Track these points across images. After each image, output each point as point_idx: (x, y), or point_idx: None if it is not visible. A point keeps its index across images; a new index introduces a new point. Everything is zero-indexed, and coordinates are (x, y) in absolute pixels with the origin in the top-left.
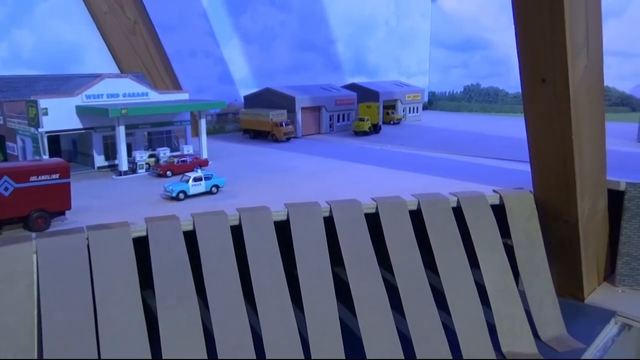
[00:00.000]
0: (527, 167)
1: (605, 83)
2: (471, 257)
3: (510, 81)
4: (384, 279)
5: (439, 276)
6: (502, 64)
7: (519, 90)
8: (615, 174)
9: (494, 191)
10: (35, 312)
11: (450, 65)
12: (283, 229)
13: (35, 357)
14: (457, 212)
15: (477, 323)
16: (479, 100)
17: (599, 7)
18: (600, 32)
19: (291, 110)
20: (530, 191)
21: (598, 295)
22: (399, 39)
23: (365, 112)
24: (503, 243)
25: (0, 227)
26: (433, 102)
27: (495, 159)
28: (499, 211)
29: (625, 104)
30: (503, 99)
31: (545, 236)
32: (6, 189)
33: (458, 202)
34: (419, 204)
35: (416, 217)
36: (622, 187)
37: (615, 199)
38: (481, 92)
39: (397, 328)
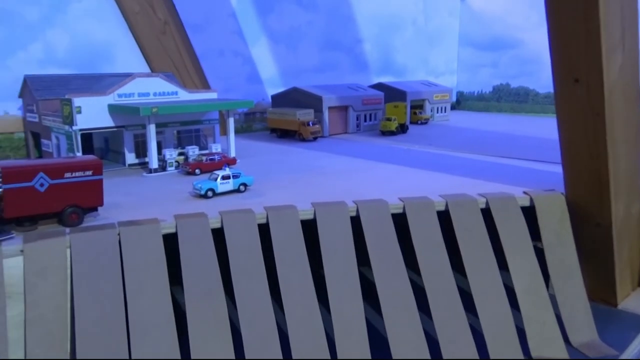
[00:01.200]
0: (558, 169)
1: None
2: (500, 259)
3: (541, 80)
4: (411, 280)
5: (466, 278)
6: (533, 63)
7: (551, 90)
8: None
9: (524, 193)
10: (69, 305)
11: (479, 64)
12: (310, 228)
13: (68, 349)
14: (486, 213)
15: (505, 326)
16: (508, 100)
17: (635, 5)
18: (636, 31)
19: (318, 110)
20: (562, 193)
21: (632, 301)
22: (427, 38)
23: (393, 112)
24: (533, 246)
25: (35, 222)
26: (461, 102)
27: (526, 159)
28: (529, 213)
29: None
30: (534, 98)
31: (577, 239)
32: (42, 184)
33: (487, 203)
34: (446, 204)
35: (444, 218)
36: None
37: None
38: (511, 91)
39: (424, 329)
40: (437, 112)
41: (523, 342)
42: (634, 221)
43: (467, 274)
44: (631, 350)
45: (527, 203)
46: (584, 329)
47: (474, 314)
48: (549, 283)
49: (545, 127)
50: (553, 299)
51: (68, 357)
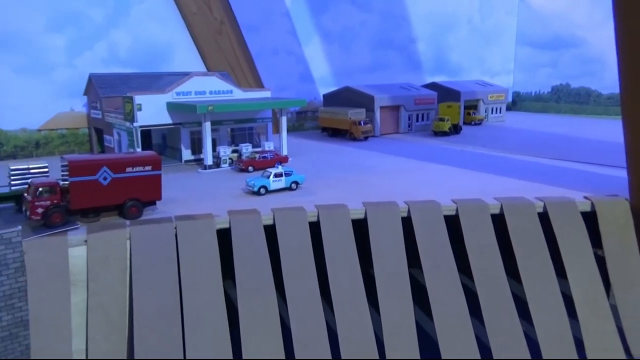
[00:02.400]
0: (622, 173)
1: None
2: (558, 266)
3: (605, 81)
4: (462, 283)
5: (521, 284)
6: (596, 63)
7: (615, 90)
8: None
9: (585, 197)
10: (127, 294)
11: (537, 64)
12: (360, 227)
13: (126, 336)
14: (543, 218)
15: (562, 335)
16: (568, 101)
17: None
18: None
19: (370, 109)
20: (626, 199)
21: None
22: (483, 37)
23: (446, 112)
24: (594, 253)
25: (98, 214)
26: (517, 103)
27: (586, 163)
28: (590, 219)
29: None
30: (596, 100)
31: None
32: (105, 178)
33: (545, 207)
34: (502, 207)
35: (498, 221)
36: None
37: None
38: (571, 92)
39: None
40: (492, 113)
41: (581, 353)
42: None
43: (523, 280)
44: None
45: (587, 208)
46: None
47: (528, 322)
48: (609, 292)
49: (607, 130)
50: (614, 308)
51: (126, 344)
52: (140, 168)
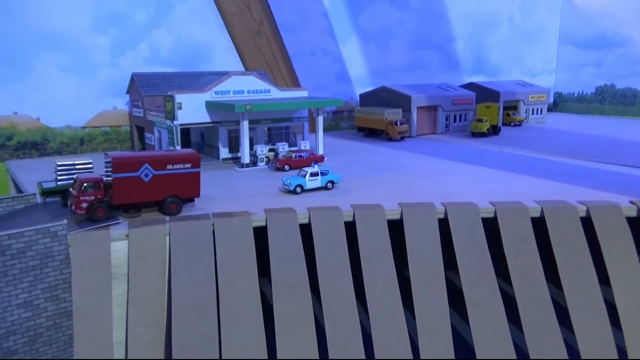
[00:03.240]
0: None
1: None
2: (601, 272)
3: None
4: (500, 287)
5: (561, 289)
6: None
7: None
8: None
9: (631, 202)
10: (166, 288)
11: (581, 63)
12: (396, 228)
13: (164, 330)
14: (586, 222)
15: (604, 344)
16: (613, 102)
17: None
18: None
19: (406, 109)
20: None
21: None
22: (524, 36)
23: (484, 113)
24: (639, 259)
25: (139, 210)
26: (559, 104)
27: (633, 167)
28: (636, 224)
29: None
30: None
31: None
32: (146, 175)
33: (587, 211)
34: (542, 211)
35: (539, 225)
36: None
37: None
38: (616, 93)
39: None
40: (533, 114)
41: None
42: None
43: (563, 286)
44: None
45: (633, 213)
46: None
47: (568, 328)
48: None
49: None
50: None
51: (164, 337)
52: (180, 165)
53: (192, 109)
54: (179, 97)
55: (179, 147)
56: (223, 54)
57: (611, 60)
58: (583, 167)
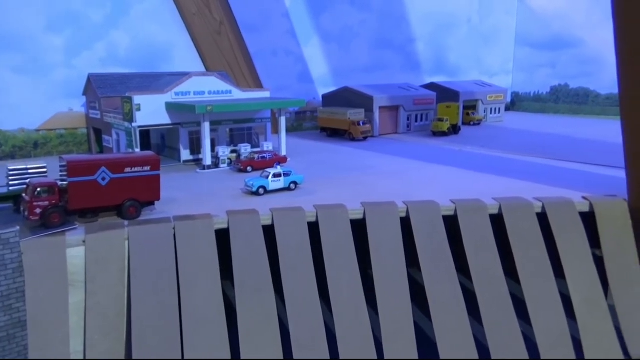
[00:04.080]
0: (621, 174)
1: None
2: (556, 266)
3: (603, 81)
4: (461, 283)
5: (519, 284)
6: (594, 63)
7: (613, 91)
8: None
9: (584, 198)
10: (126, 294)
11: (536, 64)
12: (359, 228)
13: (124, 337)
14: (542, 218)
15: (560, 336)
16: (567, 101)
17: None
18: None
19: (369, 110)
20: (625, 199)
21: None
22: (482, 37)
23: (445, 112)
24: (592, 253)
25: (97, 214)
26: (516, 103)
27: (585, 163)
28: (589, 219)
29: None
30: (594, 100)
31: (639, 247)
32: (104, 178)
33: (543, 207)
34: (500, 208)
35: (497, 221)
36: None
37: None
38: (570, 92)
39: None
40: (491, 113)
41: (579, 353)
42: None
43: (521, 281)
44: None
45: (586, 209)
46: None
47: (526, 322)
48: (607, 292)
49: (606, 130)
50: (612, 309)
51: (124, 345)
52: (139, 168)
53: (151, 110)
54: (138, 99)
55: (138, 150)
56: (183, 55)
57: (565, 60)
58: (539, 164)
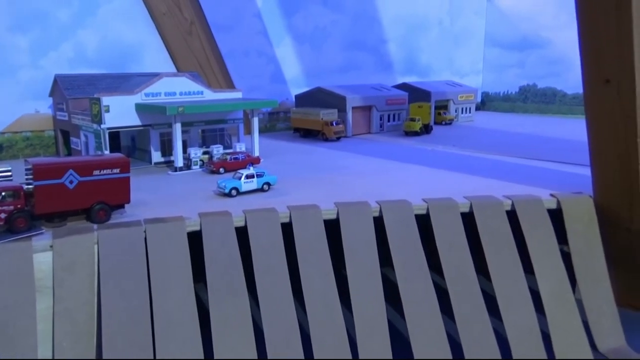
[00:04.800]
0: (587, 171)
1: None
2: (525, 263)
3: (569, 81)
4: (434, 282)
5: (490, 281)
6: (561, 64)
7: (580, 90)
8: None
9: (551, 195)
10: (95, 300)
11: (505, 64)
12: (333, 228)
13: (94, 344)
14: (511, 216)
15: (530, 331)
16: (535, 101)
17: None
18: None
19: (342, 110)
20: (590, 196)
21: None
22: (452, 38)
23: (417, 112)
24: (560, 249)
25: (64, 218)
26: (486, 103)
27: (553, 161)
28: (556, 216)
29: None
30: (561, 99)
31: (605, 243)
32: (71, 182)
33: (512, 205)
34: (471, 206)
35: (468, 219)
36: None
37: None
38: (538, 92)
39: (446, 332)
40: (462, 113)
41: (548, 348)
42: None
43: (492, 277)
44: None
45: (554, 206)
46: (611, 334)
47: (497, 318)
48: (575, 288)
49: (573, 129)
50: (580, 303)
51: (94, 351)
52: (108, 171)
53: (120, 111)
54: (106, 100)
55: (107, 152)
56: (153, 55)
57: (533, 61)
58: (508, 163)
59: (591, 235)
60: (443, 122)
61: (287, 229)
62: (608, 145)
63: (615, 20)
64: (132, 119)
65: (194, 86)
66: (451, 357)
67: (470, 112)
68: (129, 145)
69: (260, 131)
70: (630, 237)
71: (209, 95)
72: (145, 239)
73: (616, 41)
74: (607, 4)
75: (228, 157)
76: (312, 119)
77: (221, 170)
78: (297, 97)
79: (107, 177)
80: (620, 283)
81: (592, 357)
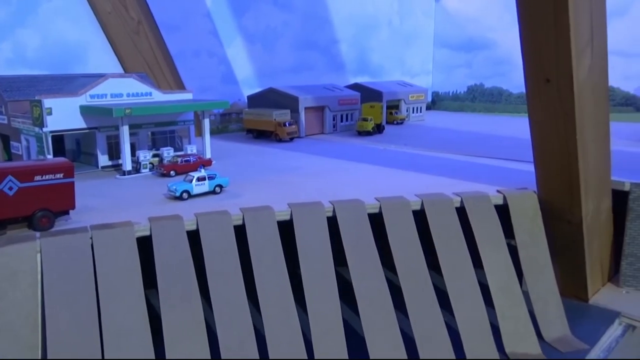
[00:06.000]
0: (531, 168)
1: (610, 83)
2: (475, 257)
3: (514, 81)
4: (387, 279)
5: (442, 276)
6: (506, 64)
7: (523, 90)
8: (619, 174)
9: (498, 191)
10: (39, 311)
11: (454, 65)
12: (287, 229)
13: (39, 357)
14: (461, 212)
15: (480, 323)
16: (482, 100)
17: (603, 6)
18: (604, 32)
19: (294, 110)
20: (534, 191)
21: (602, 296)
22: (403, 39)
23: (369, 112)
24: (507, 243)
25: (4, 227)
26: (436, 102)
27: (499, 159)
28: (503, 211)
29: (629, 104)
30: (507, 99)
31: (549, 236)
32: (10, 188)
33: (462, 202)
34: (422, 204)
35: (419, 217)
36: (626, 188)
37: (620, 199)
38: (485, 92)
39: (400, 328)
40: (413, 112)
41: (497, 339)
42: (604, 218)
43: (443, 272)
44: (602, 344)
45: (500, 201)
46: (556, 324)
47: (449, 312)
48: (522, 280)
49: (518, 127)
50: (526, 295)
51: None
52: (51, 176)
53: (64, 114)
54: (48, 102)
55: (50, 156)
56: (99, 55)
57: (479, 61)
58: (458, 160)
59: (536, 229)
60: (395, 122)
61: (240, 231)
62: (549, 143)
63: (553, 21)
64: (76, 122)
65: (142, 87)
66: (405, 353)
67: (421, 112)
68: (74, 149)
69: (212, 133)
70: (572, 229)
71: (158, 96)
72: (92, 245)
73: (555, 42)
74: (545, 5)
75: (179, 159)
76: (264, 119)
77: (172, 173)
78: (249, 97)
79: (50, 183)
80: (563, 274)
81: (538, 347)
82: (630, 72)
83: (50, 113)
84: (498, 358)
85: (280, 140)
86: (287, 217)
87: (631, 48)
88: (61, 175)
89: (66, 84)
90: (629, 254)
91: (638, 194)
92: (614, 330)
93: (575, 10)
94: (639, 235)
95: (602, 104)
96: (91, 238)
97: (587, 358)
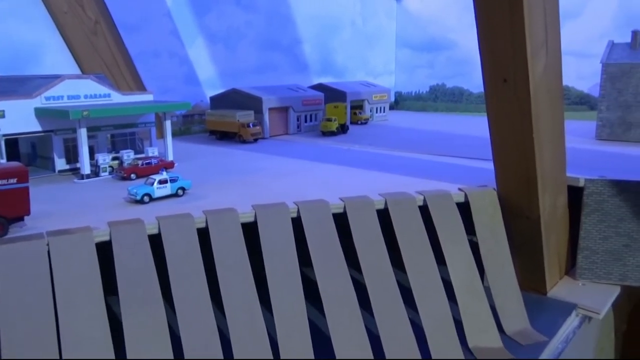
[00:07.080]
0: (491, 166)
1: (565, 83)
2: (438, 254)
3: (474, 81)
4: (353, 278)
5: (406, 274)
6: (466, 64)
7: (483, 89)
8: (574, 170)
9: (459, 189)
10: None
11: (416, 65)
12: (251, 230)
13: None
14: (424, 210)
15: (444, 319)
16: (444, 100)
17: (556, 8)
18: (558, 33)
19: (258, 111)
20: (494, 189)
21: (560, 288)
22: (365, 39)
23: (333, 112)
24: (468, 240)
25: None
26: (399, 102)
27: (461, 157)
28: (464, 209)
29: (583, 102)
30: (467, 98)
31: (508, 232)
32: None
33: (424, 200)
34: (386, 203)
35: (383, 216)
36: (581, 184)
37: (575, 195)
38: (446, 91)
39: (366, 327)
40: (377, 112)
41: (461, 333)
42: (560, 214)
43: (407, 270)
44: (560, 335)
45: (462, 199)
46: (516, 317)
47: (414, 309)
48: (484, 275)
49: (478, 126)
50: (488, 290)
51: None
52: (4, 181)
53: (18, 117)
54: (1, 104)
55: (3, 161)
56: (55, 56)
57: (441, 62)
58: (421, 159)
59: (496, 226)
60: (359, 122)
61: (204, 234)
62: (508, 141)
63: (509, 22)
64: (31, 125)
65: (100, 89)
66: (370, 351)
67: (384, 112)
68: (29, 153)
69: (174, 134)
70: (530, 225)
71: (117, 98)
72: (49, 252)
73: (511, 42)
74: (501, 7)
75: (140, 162)
76: (228, 121)
77: (132, 176)
78: (212, 98)
79: (2, 189)
80: (523, 268)
81: (499, 340)
82: (584, 72)
83: (2, 116)
84: (461, 353)
85: (244, 142)
86: (252, 219)
87: (585, 49)
88: (14, 180)
89: (20, 86)
90: (584, 248)
91: (592, 189)
92: (572, 321)
93: (530, 12)
94: (594, 229)
95: (557, 103)
96: (48, 244)
97: (546, 349)
